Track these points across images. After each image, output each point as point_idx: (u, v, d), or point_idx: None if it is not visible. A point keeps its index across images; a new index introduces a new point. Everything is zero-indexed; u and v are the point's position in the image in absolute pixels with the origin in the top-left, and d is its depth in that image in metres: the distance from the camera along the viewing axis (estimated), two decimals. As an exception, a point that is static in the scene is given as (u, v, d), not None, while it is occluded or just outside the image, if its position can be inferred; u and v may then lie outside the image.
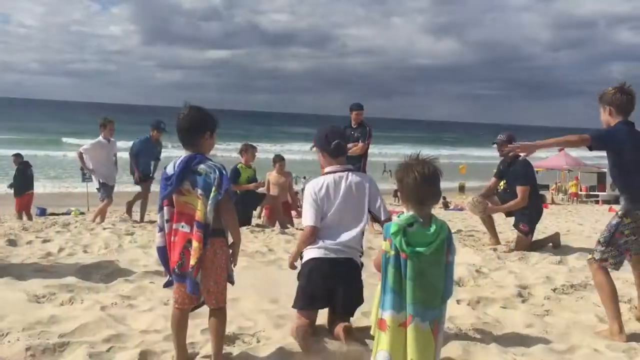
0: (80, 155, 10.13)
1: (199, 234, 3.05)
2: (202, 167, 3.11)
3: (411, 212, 2.55)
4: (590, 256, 4.21)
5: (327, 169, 3.92)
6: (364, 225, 3.85)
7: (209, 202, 3.04)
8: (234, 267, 3.28)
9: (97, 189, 10.30)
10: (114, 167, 10.32)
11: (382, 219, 3.80)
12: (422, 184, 2.51)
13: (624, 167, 4.04)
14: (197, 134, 3.21)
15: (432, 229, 2.49)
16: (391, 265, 2.53)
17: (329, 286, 3.70)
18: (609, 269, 4.08)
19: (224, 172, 3.10)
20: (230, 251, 3.24)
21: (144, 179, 10.18)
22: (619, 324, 3.91)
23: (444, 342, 3.13)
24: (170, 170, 3.17)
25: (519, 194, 7.13)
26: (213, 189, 3.04)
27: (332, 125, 4.20)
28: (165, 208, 3.21)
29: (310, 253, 3.78)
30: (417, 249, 2.46)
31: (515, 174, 7.26)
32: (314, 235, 3.76)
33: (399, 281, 2.51)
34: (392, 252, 2.52)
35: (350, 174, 3.85)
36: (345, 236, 3.76)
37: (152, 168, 10.29)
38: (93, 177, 10.37)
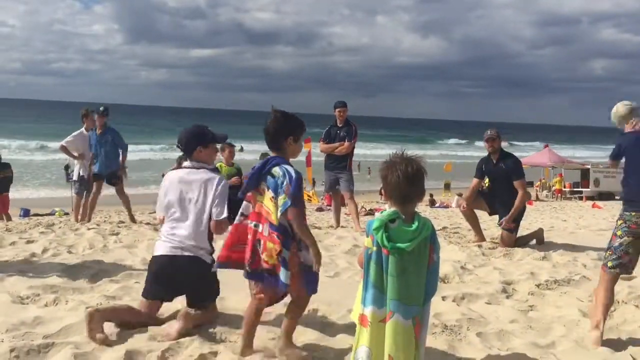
0: (63, 148, 9.79)
1: (274, 236, 3.18)
2: (276, 169, 3.25)
3: (393, 209, 2.56)
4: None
5: (183, 164, 4.04)
6: (206, 224, 3.79)
7: (280, 208, 3.16)
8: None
9: (74, 181, 9.95)
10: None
11: (214, 217, 3.77)
12: (404, 182, 2.52)
13: (625, 170, 4.17)
14: (280, 138, 3.34)
15: (414, 226, 2.50)
16: (373, 261, 2.54)
17: (162, 284, 3.82)
18: (616, 273, 4.00)
19: (293, 177, 3.17)
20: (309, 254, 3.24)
21: (95, 179, 9.52)
22: (596, 332, 3.81)
23: (428, 337, 3.16)
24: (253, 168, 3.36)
25: (519, 189, 7.21)
26: (282, 195, 3.15)
27: (195, 124, 4.08)
28: (244, 203, 3.41)
29: (155, 248, 3.93)
30: (398, 244, 2.47)
31: (507, 171, 7.31)
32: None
33: (381, 277, 2.53)
34: (374, 248, 2.53)
35: (201, 171, 3.85)
36: (183, 232, 3.78)
37: (116, 161, 9.57)
38: (75, 168, 9.97)
